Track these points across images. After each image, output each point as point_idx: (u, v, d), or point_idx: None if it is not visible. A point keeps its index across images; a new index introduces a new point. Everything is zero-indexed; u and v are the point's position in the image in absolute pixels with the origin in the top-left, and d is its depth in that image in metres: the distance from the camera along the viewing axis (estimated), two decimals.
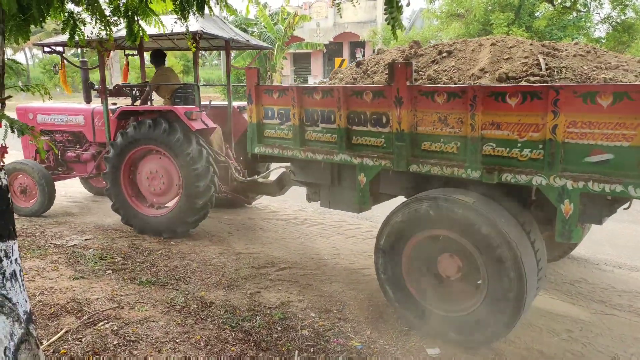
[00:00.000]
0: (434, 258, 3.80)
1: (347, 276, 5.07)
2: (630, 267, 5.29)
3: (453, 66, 4.07)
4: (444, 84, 3.84)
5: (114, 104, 7.37)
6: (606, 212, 3.33)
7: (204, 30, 5.77)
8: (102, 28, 3.46)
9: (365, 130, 4.06)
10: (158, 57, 7.04)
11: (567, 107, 3.03)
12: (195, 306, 4.26)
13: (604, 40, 17.60)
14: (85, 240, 6.12)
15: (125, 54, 8.03)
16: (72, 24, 3.27)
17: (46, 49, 6.79)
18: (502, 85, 3.48)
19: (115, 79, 25.95)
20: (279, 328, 3.95)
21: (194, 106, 6.33)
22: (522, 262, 3.27)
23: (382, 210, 4.46)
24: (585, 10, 18.17)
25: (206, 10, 3.53)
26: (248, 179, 6.52)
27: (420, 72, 4.20)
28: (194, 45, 5.71)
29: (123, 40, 6.89)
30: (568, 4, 16.41)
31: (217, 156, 6.30)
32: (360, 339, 3.85)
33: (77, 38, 3.41)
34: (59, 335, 3.66)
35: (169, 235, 6.24)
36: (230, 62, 7.44)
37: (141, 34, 3.60)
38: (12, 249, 2.69)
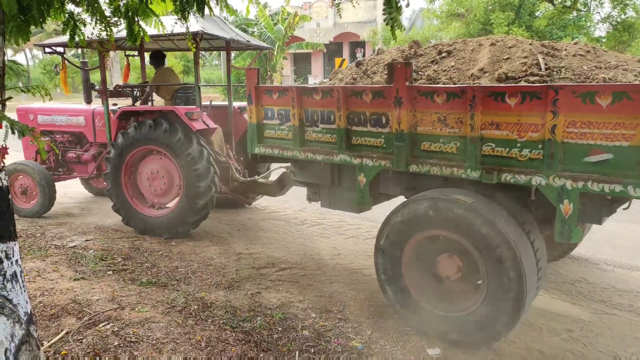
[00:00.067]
0: (434, 258, 3.80)
1: (348, 276, 5.07)
2: (631, 267, 5.29)
3: (452, 66, 4.07)
4: (443, 84, 3.84)
5: (115, 104, 7.38)
6: (606, 212, 3.33)
7: (204, 31, 5.77)
8: (103, 29, 3.46)
9: (365, 131, 4.07)
10: (157, 57, 7.04)
11: (567, 107, 3.03)
12: (196, 307, 4.26)
13: (604, 40, 17.60)
14: (86, 241, 6.13)
15: (125, 55, 8.04)
16: (72, 24, 3.27)
17: (47, 50, 6.80)
18: (502, 85, 3.48)
19: (115, 79, 25.96)
20: (280, 328, 3.95)
21: (194, 106, 6.34)
22: (522, 262, 3.27)
23: (382, 210, 4.46)
24: (585, 9, 18.17)
25: (206, 11, 3.54)
26: (248, 179, 6.53)
27: (420, 72, 4.20)
28: (194, 45, 5.72)
29: (123, 41, 6.90)
30: (568, 3, 16.42)
31: (217, 156, 6.30)
32: (361, 339, 3.85)
33: (77, 39, 3.41)
34: (59, 336, 3.67)
35: (170, 235, 6.25)
36: (230, 63, 7.44)
37: (142, 34, 3.60)
38: (13, 250, 2.70)
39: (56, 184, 7.28)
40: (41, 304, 4.21)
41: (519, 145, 3.29)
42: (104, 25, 3.44)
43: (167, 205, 6.55)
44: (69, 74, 7.31)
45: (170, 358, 3.44)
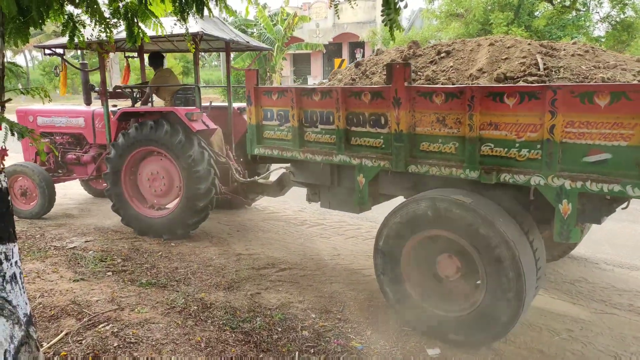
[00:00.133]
0: (433, 258, 3.80)
1: (347, 277, 5.07)
2: (630, 266, 5.29)
3: (451, 66, 4.08)
4: (442, 84, 3.85)
5: (114, 105, 7.38)
6: (605, 212, 3.33)
7: (204, 32, 5.78)
8: (102, 30, 3.46)
9: (364, 131, 4.07)
10: (156, 59, 7.05)
11: (565, 107, 3.03)
12: (196, 307, 4.26)
13: (603, 40, 17.62)
14: (85, 242, 6.13)
15: (125, 56, 8.04)
16: (71, 26, 3.28)
17: (47, 51, 6.80)
18: (500, 85, 3.48)
19: (114, 80, 25.97)
20: (280, 329, 3.95)
21: (194, 107, 6.34)
22: (521, 262, 3.27)
23: (382, 210, 4.46)
24: (584, 9, 18.20)
25: (206, 12, 3.54)
26: (248, 179, 6.53)
27: (419, 73, 4.21)
28: (194, 46, 5.72)
29: (123, 42, 6.91)
30: (567, 3, 16.44)
31: (217, 157, 6.31)
32: (361, 339, 3.85)
33: (76, 40, 3.41)
34: (59, 337, 3.67)
35: (169, 236, 6.25)
36: (230, 64, 7.45)
37: (141, 35, 3.60)
38: (12, 252, 2.70)
39: (56, 185, 7.28)
40: (41, 305, 4.21)
41: (517, 145, 3.29)
42: (103, 26, 3.44)
43: (167, 206, 6.55)
44: (68, 75, 7.32)
45: (169, 359, 3.45)
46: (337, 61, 19.86)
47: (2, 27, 2.75)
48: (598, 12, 18.71)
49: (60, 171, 7.66)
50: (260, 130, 4.85)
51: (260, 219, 7.30)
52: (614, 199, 3.27)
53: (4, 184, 2.70)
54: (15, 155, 8.03)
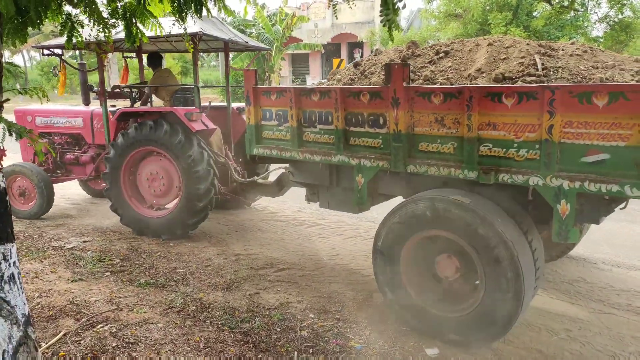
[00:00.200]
0: (432, 259, 3.81)
1: (346, 277, 5.07)
2: (628, 266, 5.30)
3: (450, 66, 4.08)
4: (440, 84, 3.85)
5: (113, 106, 7.37)
6: (603, 212, 3.34)
7: (203, 32, 5.78)
8: (100, 30, 3.46)
9: (363, 131, 4.07)
10: (155, 59, 7.04)
11: (563, 107, 3.04)
12: (194, 308, 4.26)
13: (601, 40, 17.65)
14: (84, 242, 6.12)
15: (123, 57, 8.04)
16: (69, 26, 3.27)
17: (45, 52, 6.79)
18: (498, 85, 3.48)
19: (112, 80, 25.97)
20: (278, 329, 3.95)
21: (194, 107, 6.34)
22: (519, 262, 3.27)
23: (381, 210, 4.46)
24: (582, 9, 18.22)
25: (204, 12, 3.54)
26: (247, 180, 6.53)
27: (418, 73, 4.21)
28: (192, 46, 5.71)
29: (122, 43, 6.90)
30: (566, 3, 16.46)
31: (216, 157, 6.30)
32: (360, 339, 3.85)
33: (74, 40, 3.41)
34: (57, 337, 3.67)
35: (168, 236, 6.25)
36: (229, 64, 7.45)
37: (140, 36, 3.60)
38: (11, 252, 2.69)
39: (54, 185, 7.28)
40: (39, 306, 4.20)
41: (516, 145, 3.29)
42: (101, 26, 3.43)
43: (166, 207, 6.55)
44: (67, 75, 7.31)
45: (168, 359, 3.44)
46: (335, 61, 19.85)
47: (0, 27, 2.75)
48: (596, 13, 18.77)
49: (58, 171, 7.66)
50: (259, 130, 4.85)
51: (259, 219, 7.30)
52: (613, 199, 3.28)
53: (2, 184, 2.69)
54: (14, 156, 8.03)
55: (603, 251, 5.70)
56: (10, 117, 4.20)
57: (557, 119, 3.06)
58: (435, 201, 3.60)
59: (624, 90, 2.85)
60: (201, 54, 8.33)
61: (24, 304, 2.76)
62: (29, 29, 3.03)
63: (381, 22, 2.94)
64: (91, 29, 3.46)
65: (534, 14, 18.16)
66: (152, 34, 3.76)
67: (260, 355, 3.56)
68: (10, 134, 2.89)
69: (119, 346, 3.57)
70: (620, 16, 17.27)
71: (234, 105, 7.13)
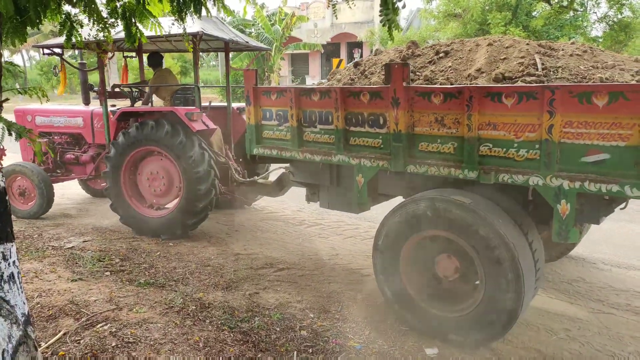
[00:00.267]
0: (432, 258, 3.81)
1: (346, 276, 5.07)
2: (628, 266, 5.31)
3: (450, 66, 4.08)
4: (440, 84, 3.85)
5: (113, 105, 7.37)
6: (604, 212, 3.34)
7: (204, 32, 5.77)
8: (100, 30, 3.45)
9: (363, 131, 4.07)
10: (155, 59, 7.04)
11: (563, 107, 3.04)
12: (194, 307, 4.26)
13: (600, 40, 17.66)
14: (83, 242, 6.12)
15: (123, 56, 8.03)
16: (69, 25, 3.26)
17: (46, 51, 6.79)
18: (498, 85, 3.49)
19: (112, 80, 25.93)
20: (278, 329, 3.95)
21: (194, 107, 6.34)
22: (520, 263, 3.27)
23: (381, 210, 4.46)
24: (582, 9, 18.23)
25: (204, 12, 3.54)
26: (248, 179, 6.53)
27: (418, 73, 4.21)
28: (192, 46, 5.71)
29: (122, 42, 6.89)
30: (565, 3, 16.46)
31: (217, 157, 6.30)
32: (359, 339, 3.85)
33: (74, 40, 3.40)
34: (57, 337, 3.66)
35: (168, 236, 6.24)
36: (229, 64, 7.44)
37: (139, 35, 3.59)
38: (10, 251, 2.69)
39: (54, 185, 7.27)
40: (39, 305, 4.20)
41: (516, 145, 3.29)
42: (101, 26, 3.43)
43: (166, 206, 6.55)
44: (66, 75, 7.31)
45: (168, 358, 3.44)
46: (335, 61, 19.83)
47: (0, 27, 2.74)
48: (595, 12, 18.80)
49: (58, 171, 7.65)
50: (260, 130, 4.85)
51: (259, 219, 7.30)
52: (613, 199, 3.28)
53: (2, 184, 2.69)
54: (14, 155, 8.03)
55: (602, 251, 5.71)
56: (10, 117, 4.20)
57: (557, 119, 3.06)
58: (436, 201, 3.59)
59: (624, 90, 2.85)
60: (201, 53, 8.32)
61: (24, 303, 2.76)
62: (28, 28, 3.03)
63: (381, 21, 2.94)
64: (90, 29, 3.46)
65: (533, 13, 18.17)
66: (151, 33, 3.76)
67: (259, 355, 3.56)
68: (10, 134, 2.89)
69: (119, 346, 3.56)
70: (619, 16, 17.28)
71: (234, 105, 7.13)
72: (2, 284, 2.63)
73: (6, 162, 4.69)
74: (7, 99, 2.90)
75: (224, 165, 6.46)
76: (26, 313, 2.76)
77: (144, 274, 5.09)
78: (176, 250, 5.86)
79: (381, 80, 4.21)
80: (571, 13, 17.69)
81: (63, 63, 6.97)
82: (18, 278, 2.74)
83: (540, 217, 3.65)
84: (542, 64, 3.69)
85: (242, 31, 21.39)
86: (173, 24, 3.76)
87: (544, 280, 4.77)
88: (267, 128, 4.79)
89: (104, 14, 3.43)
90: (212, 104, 7.25)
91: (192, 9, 3.47)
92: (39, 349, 2.99)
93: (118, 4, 3.42)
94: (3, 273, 2.63)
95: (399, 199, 4.19)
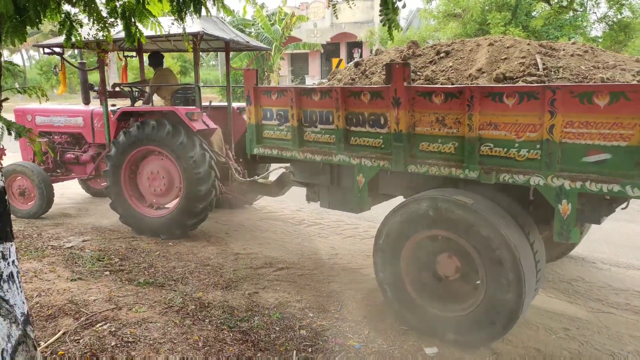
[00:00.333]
0: (433, 258, 3.80)
1: (345, 276, 5.07)
2: (627, 266, 5.31)
3: (451, 66, 4.08)
4: (441, 84, 3.84)
5: (113, 105, 7.36)
6: (605, 212, 3.34)
7: (205, 32, 5.76)
8: (99, 29, 3.45)
9: (364, 131, 4.07)
10: (156, 58, 7.04)
11: (564, 107, 3.03)
12: (193, 307, 4.25)
13: (600, 40, 17.67)
14: (83, 241, 6.11)
15: (124, 56, 8.02)
16: (68, 25, 3.26)
17: (46, 50, 6.78)
18: (499, 85, 3.48)
19: (111, 79, 25.90)
20: (277, 328, 3.95)
21: (194, 107, 6.33)
22: (521, 264, 3.26)
23: (380, 210, 4.46)
24: (581, 9, 18.24)
25: (204, 12, 3.53)
26: (248, 179, 6.53)
27: (418, 73, 4.20)
28: (191, 46, 5.69)
29: (122, 42, 6.89)
30: (564, 3, 16.46)
31: (217, 157, 6.30)
32: (358, 338, 3.85)
33: (73, 39, 3.40)
34: (56, 336, 3.66)
35: (167, 236, 6.24)
36: (230, 63, 7.44)
37: (138, 35, 3.59)
38: (9, 251, 2.68)
39: (54, 184, 7.26)
40: (38, 305, 4.19)
41: (517, 145, 3.29)
42: (100, 26, 3.42)
43: (166, 206, 6.54)
44: (66, 74, 7.30)
45: (167, 358, 3.44)
46: (334, 61, 19.83)
47: None
48: (595, 13, 18.79)
49: (58, 171, 7.64)
50: (260, 129, 4.85)
51: (258, 219, 7.30)
52: (614, 199, 3.28)
53: (1, 183, 2.69)
54: (13, 155, 8.02)
55: (602, 250, 5.71)
56: (10, 117, 4.19)
57: (558, 119, 3.06)
58: (438, 201, 3.59)
59: (625, 90, 2.85)
60: (201, 53, 8.31)
61: (23, 303, 2.76)
62: (28, 28, 3.02)
63: (381, 21, 2.93)
64: (90, 28, 3.45)
65: (533, 14, 18.18)
66: (151, 33, 3.76)
67: (259, 354, 3.56)
68: (9, 133, 2.88)
69: (118, 345, 3.56)
70: (619, 16, 17.29)
71: (235, 104, 7.12)
72: (2, 283, 2.62)
73: (6, 161, 4.68)
74: (6, 99, 2.90)
75: (224, 165, 6.46)
76: (25, 312, 2.75)
77: (143, 273, 5.08)
78: (175, 250, 5.86)
79: (382, 80, 4.20)
80: (571, 13, 17.70)
81: (63, 62, 6.96)
82: (17, 277, 2.73)
83: (541, 217, 3.65)
84: (543, 64, 3.69)
85: (242, 31, 21.37)
86: (173, 23, 3.76)
87: (544, 280, 4.78)
88: (268, 128, 4.79)
89: (104, 14, 3.42)
90: (212, 103, 7.24)
91: (191, 8, 3.46)
92: (39, 349, 2.99)
93: (117, 4, 3.42)
94: (2, 272, 2.62)
95: (398, 199, 4.19)
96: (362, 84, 4.52)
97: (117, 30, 4.40)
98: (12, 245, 2.71)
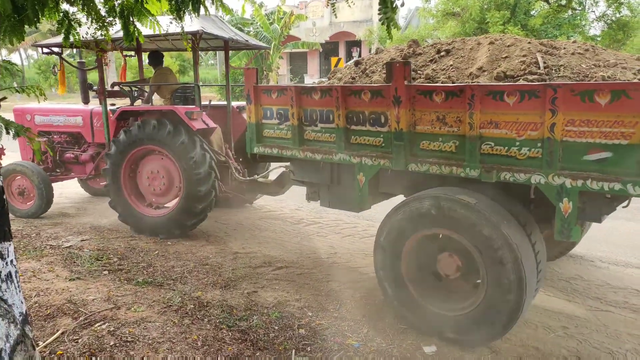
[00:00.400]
0: (434, 256, 3.79)
1: (344, 275, 5.06)
2: (625, 264, 5.31)
3: (451, 65, 4.06)
4: (442, 83, 3.83)
5: (113, 104, 7.34)
6: (605, 210, 3.32)
7: (204, 30, 5.75)
8: (98, 28, 3.44)
9: (364, 130, 4.05)
10: (155, 57, 7.02)
11: (565, 106, 3.02)
12: (192, 306, 4.24)
13: (599, 38, 17.68)
14: (82, 241, 6.09)
15: (123, 55, 8.00)
16: (67, 24, 3.24)
17: (45, 50, 6.76)
18: (500, 84, 3.47)
19: (110, 79, 25.86)
20: (276, 327, 3.94)
21: (194, 106, 6.32)
22: (523, 265, 3.26)
23: (380, 209, 4.45)
24: (580, 8, 18.24)
25: (203, 11, 3.52)
26: (248, 178, 6.51)
27: (419, 71, 4.19)
28: (190, 45, 5.68)
29: (120, 41, 6.87)
30: (563, 2, 16.45)
31: (217, 156, 6.28)
32: (357, 337, 3.84)
33: (72, 39, 3.38)
34: (55, 336, 3.65)
35: (166, 236, 6.22)
36: (229, 62, 7.42)
37: (137, 34, 3.57)
38: (8, 251, 2.67)
39: (53, 184, 7.25)
40: (36, 304, 4.18)
41: (518, 143, 3.28)
42: (99, 25, 3.41)
43: (165, 206, 6.52)
44: (65, 74, 7.27)
45: (166, 357, 3.43)
46: (333, 60, 19.80)
47: None
48: (594, 11, 18.79)
49: (58, 170, 7.63)
50: (260, 128, 4.84)
51: (257, 218, 7.29)
52: (615, 198, 3.27)
53: (0, 183, 2.67)
54: (13, 154, 7.99)
55: (600, 249, 5.71)
56: (9, 116, 4.18)
57: (559, 117, 3.05)
58: (440, 200, 3.58)
59: (626, 88, 2.84)
60: (200, 52, 8.30)
61: (22, 302, 2.74)
62: (26, 27, 3.01)
63: (380, 20, 2.93)
64: (89, 27, 3.44)
65: (532, 12, 18.19)
66: (150, 32, 3.74)
67: (258, 354, 3.55)
68: (8, 132, 2.87)
69: (117, 345, 3.55)
70: (617, 15, 17.31)
71: (234, 104, 7.10)
72: (0, 283, 2.61)
73: (5, 161, 4.67)
74: (4, 98, 2.89)
75: (224, 164, 6.44)
76: (24, 312, 2.74)
77: (142, 272, 5.07)
78: (174, 249, 5.84)
79: (382, 78, 4.19)
80: (569, 12, 17.69)
81: (62, 62, 6.94)
82: (16, 277, 2.72)
83: (542, 215, 3.64)
84: (544, 62, 3.68)
85: (241, 30, 21.35)
86: (171, 22, 3.74)
87: (544, 280, 4.78)
88: (268, 127, 4.78)
89: (102, 13, 3.41)
90: (212, 102, 7.22)
91: (190, 7, 3.45)
92: (37, 348, 2.98)
93: (116, 3, 3.41)
94: (1, 272, 2.61)
95: (399, 198, 4.18)
96: (362, 82, 4.50)
97: (116, 30, 4.39)
98: (10, 244, 2.70)
